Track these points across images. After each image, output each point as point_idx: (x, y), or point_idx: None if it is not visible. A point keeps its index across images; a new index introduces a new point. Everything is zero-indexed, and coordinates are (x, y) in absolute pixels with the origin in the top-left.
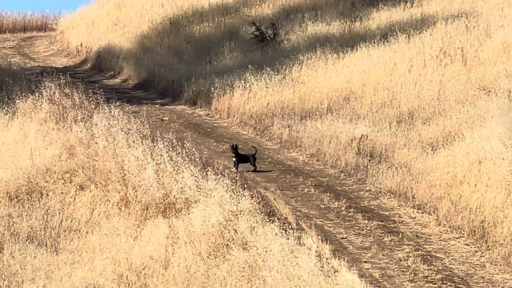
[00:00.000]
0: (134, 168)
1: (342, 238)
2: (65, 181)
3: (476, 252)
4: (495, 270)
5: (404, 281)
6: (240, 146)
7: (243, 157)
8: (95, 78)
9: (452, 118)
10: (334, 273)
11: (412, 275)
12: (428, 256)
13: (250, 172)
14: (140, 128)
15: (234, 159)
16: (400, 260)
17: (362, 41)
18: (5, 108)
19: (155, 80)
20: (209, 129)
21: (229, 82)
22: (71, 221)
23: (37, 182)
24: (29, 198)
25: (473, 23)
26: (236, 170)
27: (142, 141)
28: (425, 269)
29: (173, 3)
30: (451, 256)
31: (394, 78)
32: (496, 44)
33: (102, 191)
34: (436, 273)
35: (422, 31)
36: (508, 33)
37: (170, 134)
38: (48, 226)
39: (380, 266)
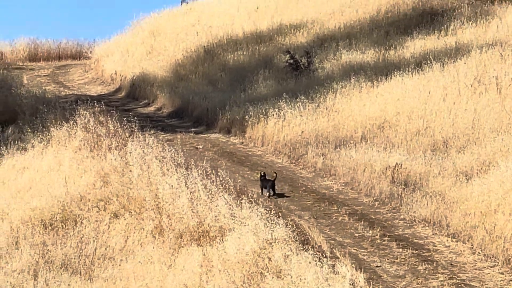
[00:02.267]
0: (168, 196)
1: (377, 266)
2: (99, 209)
3: (511, 281)
4: None
5: None
6: (274, 175)
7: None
8: (129, 106)
9: (487, 147)
10: None
11: None
12: (462, 285)
13: (284, 201)
14: (175, 156)
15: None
16: None
17: (396, 69)
18: (40, 136)
19: (189, 108)
20: (243, 157)
21: (263, 110)
22: (105, 249)
23: (72, 210)
24: (64, 226)
25: (508, 52)
26: (263, 194)
27: (176, 169)
28: None
29: (207, 31)
30: (486, 284)
31: (428, 107)
32: None
33: (136, 219)
34: None
35: (456, 59)
36: None
37: (204, 162)
38: (82, 254)
39: None
